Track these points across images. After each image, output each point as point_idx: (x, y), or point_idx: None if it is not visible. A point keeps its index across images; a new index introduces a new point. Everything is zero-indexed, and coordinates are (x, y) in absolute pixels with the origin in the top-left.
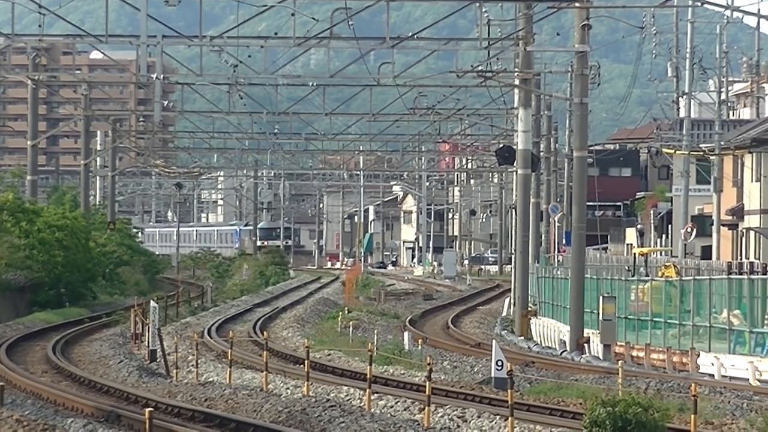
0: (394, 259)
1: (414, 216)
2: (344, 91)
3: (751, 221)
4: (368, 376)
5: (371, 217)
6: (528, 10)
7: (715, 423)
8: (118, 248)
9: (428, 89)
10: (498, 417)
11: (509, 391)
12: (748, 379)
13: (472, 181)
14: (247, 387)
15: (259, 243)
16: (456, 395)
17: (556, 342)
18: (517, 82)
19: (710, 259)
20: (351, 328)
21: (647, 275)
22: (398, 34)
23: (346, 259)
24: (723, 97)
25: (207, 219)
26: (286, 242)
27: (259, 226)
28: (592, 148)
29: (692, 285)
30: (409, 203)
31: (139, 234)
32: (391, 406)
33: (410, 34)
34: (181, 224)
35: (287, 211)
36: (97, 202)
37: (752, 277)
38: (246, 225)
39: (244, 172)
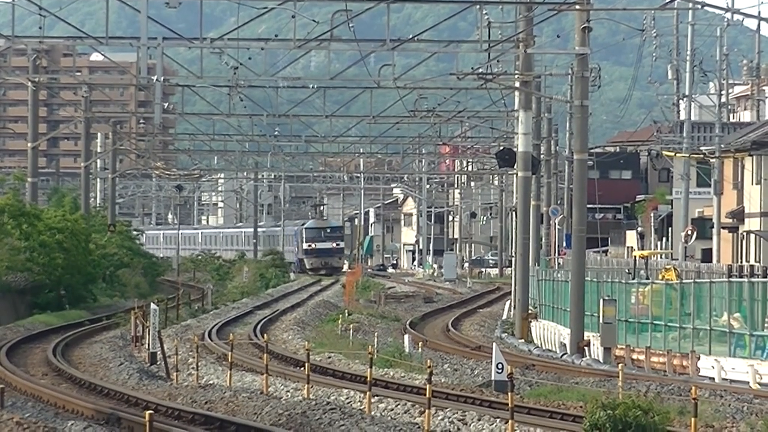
0: (395, 262)
1: (414, 218)
2: (344, 93)
3: (752, 224)
4: (368, 378)
5: (371, 219)
6: (528, 13)
7: (715, 426)
8: (118, 250)
9: (428, 91)
10: (498, 420)
11: (509, 393)
12: (748, 382)
13: (472, 184)
14: (247, 390)
15: (306, 246)
16: (456, 398)
17: (556, 345)
18: (517, 84)
19: (710, 262)
20: (351, 331)
21: (648, 278)
22: (399, 36)
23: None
24: (723, 99)
25: (207, 221)
26: (337, 244)
27: (306, 225)
28: (592, 150)
29: (692, 288)
30: (410, 206)
31: (141, 236)
32: (392, 409)
33: (411, 36)
34: (198, 226)
35: (287, 213)
36: (98, 205)
37: (752, 280)
38: (303, 224)
39: (245, 174)
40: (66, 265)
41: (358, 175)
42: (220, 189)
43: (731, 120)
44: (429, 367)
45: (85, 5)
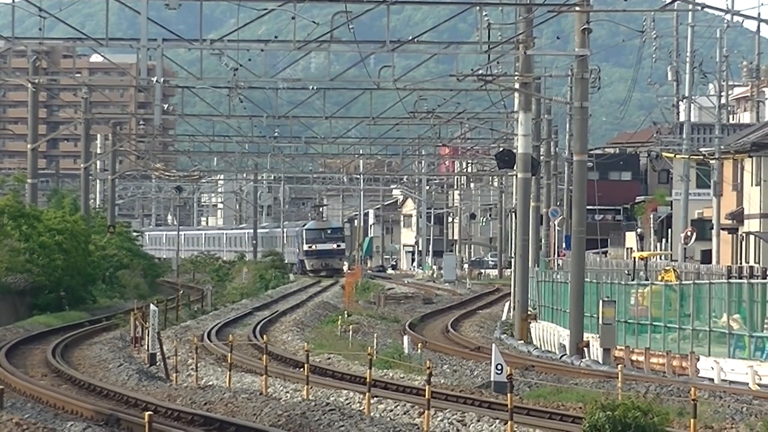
0: (394, 263)
1: (414, 220)
2: (344, 94)
3: (751, 225)
4: (368, 379)
5: (371, 220)
6: (528, 14)
7: (714, 427)
8: (118, 251)
9: (428, 93)
10: (498, 421)
11: (509, 394)
12: (747, 384)
13: (472, 185)
14: (246, 391)
15: (306, 247)
16: (456, 399)
17: (555, 346)
18: (517, 85)
19: (710, 263)
20: (351, 332)
21: (647, 279)
22: (398, 37)
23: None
24: (723, 101)
25: (207, 222)
26: (338, 245)
27: (306, 226)
28: (592, 152)
29: (692, 289)
30: (409, 207)
31: (141, 237)
32: (391, 410)
33: (410, 38)
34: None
35: (287, 215)
36: (97, 206)
37: (752, 281)
38: (304, 226)
39: (244, 175)
40: (66, 266)
41: (358, 176)
42: (219, 190)
43: (731, 121)
44: (428, 368)
45: (85, 7)
